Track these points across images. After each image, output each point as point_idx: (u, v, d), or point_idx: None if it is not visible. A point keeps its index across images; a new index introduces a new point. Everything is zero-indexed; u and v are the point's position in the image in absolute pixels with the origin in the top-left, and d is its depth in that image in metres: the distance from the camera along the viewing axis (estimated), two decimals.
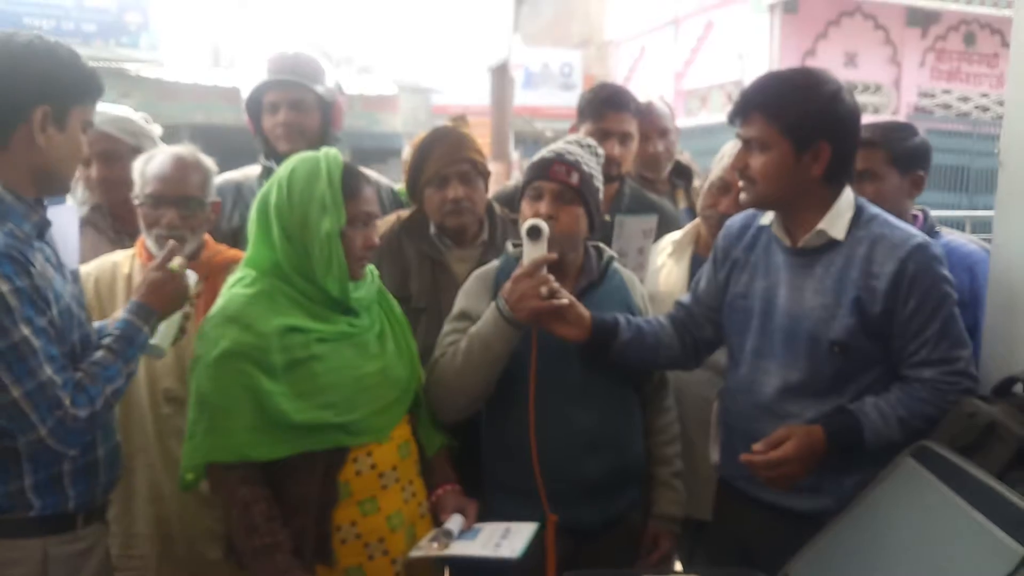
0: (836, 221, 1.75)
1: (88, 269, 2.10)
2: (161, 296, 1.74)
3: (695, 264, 2.33)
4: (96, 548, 1.73)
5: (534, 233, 1.84)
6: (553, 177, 1.92)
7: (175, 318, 1.84)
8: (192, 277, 1.83)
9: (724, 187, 2.26)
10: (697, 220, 2.43)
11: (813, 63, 7.10)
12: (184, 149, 2.12)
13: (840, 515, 1.63)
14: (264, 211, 1.78)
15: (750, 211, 1.95)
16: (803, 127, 1.71)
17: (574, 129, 2.63)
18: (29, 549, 1.59)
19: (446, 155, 2.16)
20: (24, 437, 1.50)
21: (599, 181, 2.00)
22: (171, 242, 1.81)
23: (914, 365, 1.72)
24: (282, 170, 1.80)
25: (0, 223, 1.51)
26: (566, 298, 1.84)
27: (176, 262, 1.79)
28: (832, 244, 1.76)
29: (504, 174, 6.79)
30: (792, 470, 1.67)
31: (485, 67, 6.17)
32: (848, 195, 1.79)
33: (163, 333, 1.81)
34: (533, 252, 1.84)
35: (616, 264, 2.08)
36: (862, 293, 1.71)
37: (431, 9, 6.32)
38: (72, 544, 1.65)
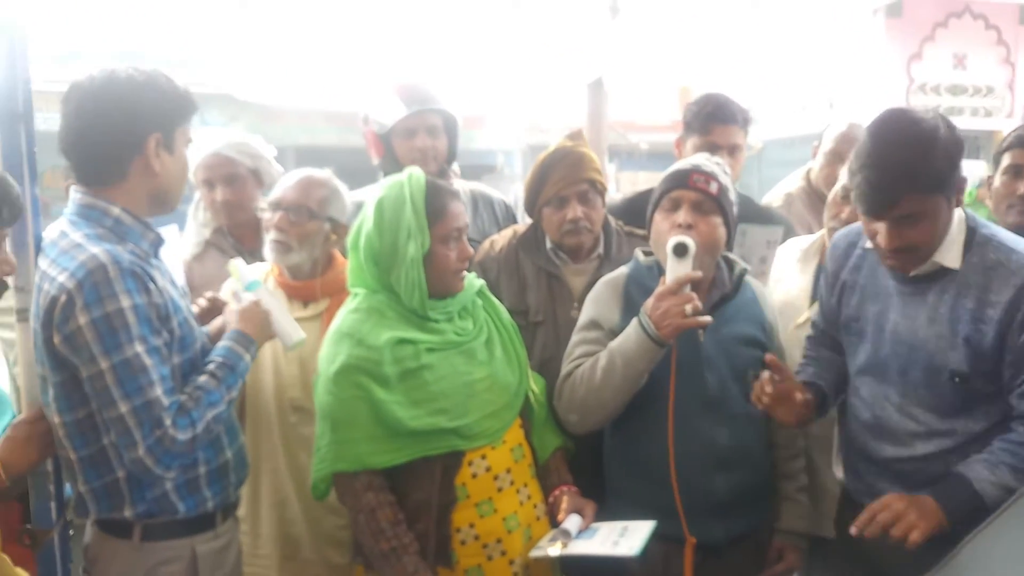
0: (950, 249, 1.70)
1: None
2: (253, 324, 1.81)
3: (820, 275, 2.31)
4: (232, 543, 1.84)
5: (680, 250, 1.82)
6: (692, 186, 1.91)
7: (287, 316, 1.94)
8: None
9: (846, 195, 2.23)
10: (824, 231, 2.40)
11: (919, 67, 6.85)
12: (319, 170, 2.22)
13: (972, 534, 1.58)
14: (358, 239, 1.87)
15: (854, 229, 1.92)
16: (949, 178, 1.65)
17: (680, 143, 2.62)
18: (181, 549, 1.70)
19: (566, 176, 2.18)
20: (127, 454, 1.56)
21: (733, 195, 1.99)
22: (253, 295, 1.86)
23: (1019, 396, 1.65)
24: (372, 199, 1.88)
25: (122, 242, 1.61)
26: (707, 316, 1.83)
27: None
28: (944, 271, 1.71)
29: None
30: (907, 516, 1.59)
31: (580, 82, 6.18)
32: (958, 217, 1.73)
33: (287, 326, 1.90)
34: (678, 269, 1.83)
35: (748, 277, 2.05)
36: (976, 324, 1.66)
37: (524, 25, 6.38)
38: (215, 541, 1.76)
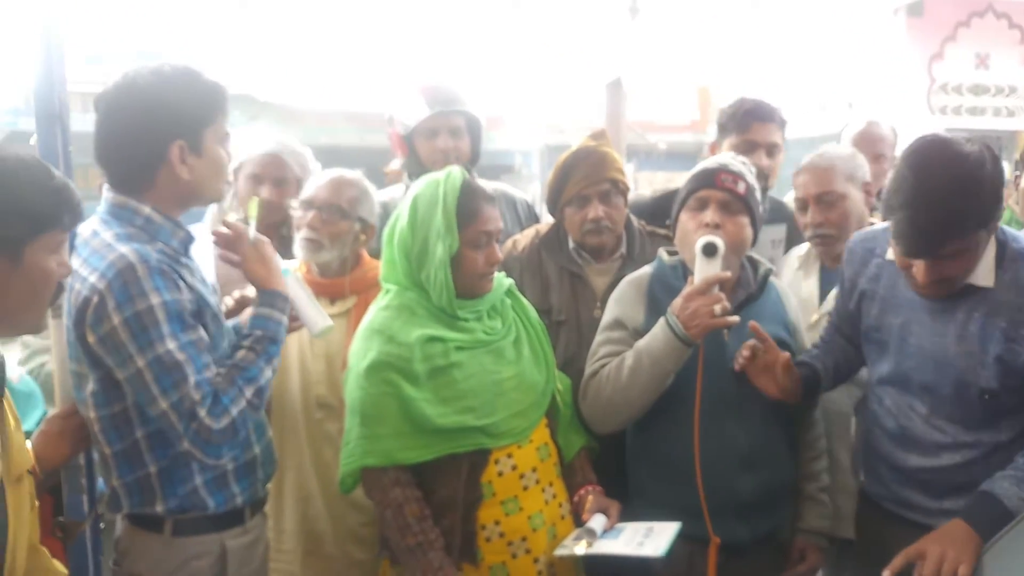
0: (982, 268, 1.68)
1: None
2: (268, 268, 1.78)
3: (824, 276, 2.32)
4: (260, 538, 1.86)
5: (710, 250, 1.82)
6: (720, 185, 1.92)
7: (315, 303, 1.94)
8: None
9: (803, 207, 2.26)
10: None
11: (940, 67, 6.79)
12: (350, 171, 2.25)
13: (990, 543, 1.58)
14: (392, 234, 1.89)
15: (870, 235, 1.92)
16: (995, 212, 1.63)
17: (715, 145, 2.59)
18: (210, 544, 1.72)
19: (587, 175, 2.19)
20: (177, 447, 1.60)
21: (759, 194, 2.00)
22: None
23: None
24: (408, 196, 1.89)
25: (152, 241, 1.63)
26: (735, 316, 1.84)
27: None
28: (974, 288, 1.69)
29: None
30: (947, 557, 1.55)
31: (599, 82, 6.18)
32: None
33: (314, 313, 1.91)
34: (707, 269, 1.82)
35: (772, 278, 2.05)
36: (1009, 343, 1.65)
37: (543, 25, 6.39)
38: (243, 536, 1.77)
